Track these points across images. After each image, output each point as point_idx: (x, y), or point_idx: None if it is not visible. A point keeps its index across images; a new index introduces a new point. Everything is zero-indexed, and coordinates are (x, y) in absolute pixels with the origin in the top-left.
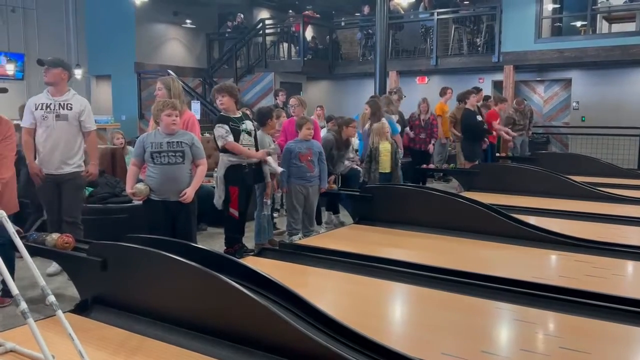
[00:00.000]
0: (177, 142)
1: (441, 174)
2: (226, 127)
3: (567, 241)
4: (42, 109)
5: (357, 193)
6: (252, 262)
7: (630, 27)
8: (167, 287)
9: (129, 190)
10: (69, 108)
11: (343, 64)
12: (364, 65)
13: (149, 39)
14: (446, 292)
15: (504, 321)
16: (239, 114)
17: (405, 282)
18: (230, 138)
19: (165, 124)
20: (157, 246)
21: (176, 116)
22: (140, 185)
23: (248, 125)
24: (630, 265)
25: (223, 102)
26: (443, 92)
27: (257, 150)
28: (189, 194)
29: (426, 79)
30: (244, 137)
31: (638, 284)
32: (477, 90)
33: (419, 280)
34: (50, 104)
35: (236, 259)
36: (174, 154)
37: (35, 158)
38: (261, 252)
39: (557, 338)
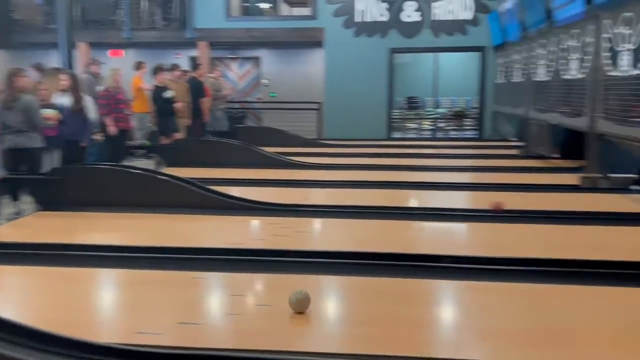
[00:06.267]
0: None
1: (145, 150)
2: None
3: (261, 207)
4: None
5: (43, 177)
6: None
7: (307, 11)
8: None
9: None
10: None
11: (21, 31)
12: (48, 34)
13: None
14: (151, 270)
15: (208, 292)
16: None
17: (104, 267)
18: None
19: None
20: None
21: None
22: None
23: None
24: (310, 223)
25: None
26: (139, 66)
27: None
28: None
29: (123, 53)
30: None
31: (318, 238)
32: (170, 68)
33: (120, 262)
34: None
35: None
36: None
37: None
38: None
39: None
